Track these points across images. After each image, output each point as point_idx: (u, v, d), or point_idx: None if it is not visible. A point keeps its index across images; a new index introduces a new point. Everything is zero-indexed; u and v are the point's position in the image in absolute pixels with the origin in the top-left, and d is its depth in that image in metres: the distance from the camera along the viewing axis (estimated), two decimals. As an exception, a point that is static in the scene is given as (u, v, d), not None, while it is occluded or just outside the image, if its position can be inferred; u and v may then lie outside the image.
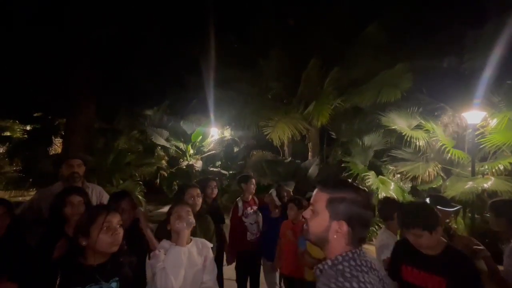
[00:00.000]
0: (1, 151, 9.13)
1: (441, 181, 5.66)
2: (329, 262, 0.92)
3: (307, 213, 0.99)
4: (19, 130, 9.01)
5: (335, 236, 0.92)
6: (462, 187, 4.79)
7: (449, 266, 1.46)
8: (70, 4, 5.62)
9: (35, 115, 8.33)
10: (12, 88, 6.39)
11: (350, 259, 0.90)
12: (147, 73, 7.47)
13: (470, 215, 4.95)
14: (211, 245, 1.81)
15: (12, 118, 8.76)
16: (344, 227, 0.91)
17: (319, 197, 0.96)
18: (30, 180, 6.28)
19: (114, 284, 1.32)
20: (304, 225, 1.01)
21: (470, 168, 5.08)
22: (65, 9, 5.61)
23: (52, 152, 8.49)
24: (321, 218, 0.94)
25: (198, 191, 2.24)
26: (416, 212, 1.56)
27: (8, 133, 9.13)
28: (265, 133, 6.91)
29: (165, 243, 1.68)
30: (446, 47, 6.41)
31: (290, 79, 7.42)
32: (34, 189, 6.22)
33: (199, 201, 2.21)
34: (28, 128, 8.92)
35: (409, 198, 5.90)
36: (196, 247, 1.73)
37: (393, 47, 6.79)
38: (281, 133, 6.77)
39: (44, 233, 1.83)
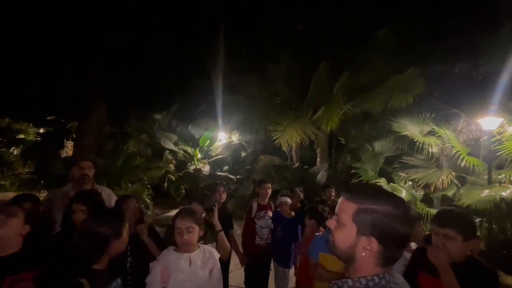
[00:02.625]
0: (15, 153, 9.38)
1: (455, 189, 5.48)
2: (350, 282, 0.79)
3: (331, 223, 0.86)
4: (32, 133, 9.24)
5: (363, 254, 0.79)
6: (478, 195, 4.61)
7: (466, 277, 1.36)
8: (84, 10, 5.78)
9: (48, 118, 8.53)
10: (26, 92, 6.57)
11: (375, 285, 0.77)
12: (157, 78, 7.57)
13: (487, 225, 4.75)
14: (218, 255, 1.74)
15: (26, 121, 8.99)
16: (375, 244, 0.77)
17: (345, 207, 0.82)
18: (42, 182, 6.39)
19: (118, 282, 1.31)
20: (329, 236, 0.87)
21: (486, 176, 4.90)
22: (79, 15, 5.77)
23: (63, 154, 8.67)
24: (347, 231, 0.81)
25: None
26: (456, 214, 1.47)
27: (22, 136, 9.38)
28: (274, 137, 6.87)
29: (167, 252, 1.63)
30: (460, 51, 6.28)
31: (299, 83, 7.38)
32: (46, 190, 6.32)
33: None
34: (41, 130, 9.15)
35: (421, 206, 5.73)
36: (202, 256, 1.64)
37: (405, 51, 6.69)
38: (289, 138, 6.71)
39: (57, 234, 1.88)
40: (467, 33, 6.28)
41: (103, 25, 5.95)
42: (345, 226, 0.82)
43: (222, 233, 1.98)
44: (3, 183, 9.99)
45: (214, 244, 2.14)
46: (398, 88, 6.03)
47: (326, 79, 6.79)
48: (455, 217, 1.43)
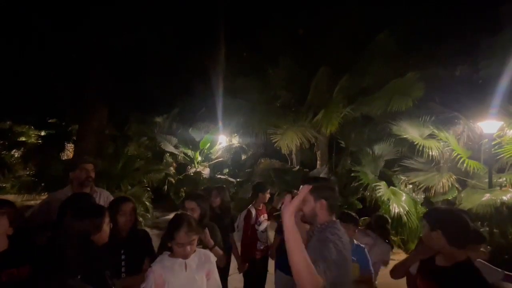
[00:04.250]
0: (16, 155, 9.42)
1: (456, 192, 5.46)
2: (319, 226, 1.43)
3: (296, 203, 1.35)
4: (33, 136, 9.29)
5: (320, 209, 1.45)
6: (478, 199, 4.59)
7: (453, 280, 1.37)
8: (86, 14, 5.84)
9: (49, 121, 8.58)
10: (28, 95, 6.61)
11: (328, 226, 1.41)
12: (157, 81, 7.61)
13: (488, 229, 4.72)
14: (215, 258, 1.72)
15: (28, 124, 9.04)
16: (324, 203, 1.44)
17: (305, 189, 1.33)
18: (42, 184, 6.38)
19: None
20: (300, 213, 1.44)
21: (486, 180, 4.88)
22: (81, 19, 5.83)
23: (64, 157, 8.69)
24: (309, 202, 1.45)
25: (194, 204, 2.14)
26: (436, 208, 1.69)
27: (23, 138, 9.42)
28: (273, 140, 6.86)
29: (161, 258, 1.60)
30: (460, 55, 6.30)
31: (299, 87, 7.40)
32: (46, 193, 6.32)
33: (197, 213, 2.15)
34: (42, 133, 9.19)
35: (422, 209, 5.70)
36: (198, 260, 1.62)
37: (405, 55, 6.71)
38: (289, 141, 6.71)
39: (52, 236, 1.85)
40: (468, 36, 6.31)
41: (104, 29, 6.00)
42: (308, 200, 1.45)
43: (216, 247, 1.94)
44: (4, 185, 9.98)
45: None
46: (398, 91, 6.04)
47: (326, 82, 6.80)
48: (432, 209, 1.66)
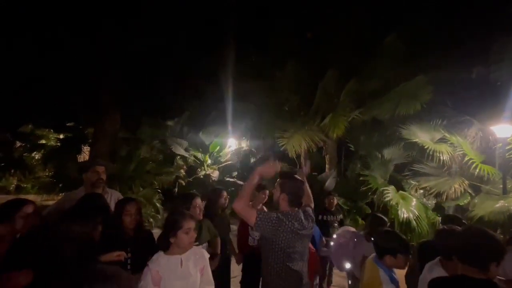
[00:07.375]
0: (36, 157, 9.89)
1: (469, 198, 5.30)
2: (277, 212, 1.78)
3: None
4: (53, 138, 9.72)
5: (281, 200, 1.84)
6: (491, 206, 4.45)
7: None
8: (102, 22, 6.14)
9: (67, 124, 8.96)
10: (48, 100, 6.96)
11: (284, 214, 1.76)
12: (169, 86, 7.83)
13: (502, 236, 4.55)
14: (208, 255, 1.79)
15: (48, 127, 9.48)
16: (284, 195, 1.82)
17: (276, 183, 1.88)
18: (60, 185, 6.69)
19: None
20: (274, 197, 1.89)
21: (501, 185, 4.72)
22: (96, 27, 6.12)
23: (81, 159, 9.05)
24: (277, 192, 1.87)
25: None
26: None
27: (43, 141, 9.89)
28: (281, 144, 6.90)
29: (157, 256, 1.64)
30: (472, 57, 6.13)
31: (307, 90, 7.42)
32: (63, 194, 6.61)
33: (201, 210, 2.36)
34: (61, 136, 9.61)
35: (433, 215, 5.56)
36: (193, 256, 1.67)
37: (415, 58, 6.60)
38: (296, 144, 6.73)
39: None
40: (480, 39, 6.15)
41: (117, 36, 6.27)
42: (276, 189, 1.88)
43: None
44: (24, 185, 10.51)
45: (206, 244, 2.24)
46: (406, 95, 5.95)
47: (334, 86, 6.79)
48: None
